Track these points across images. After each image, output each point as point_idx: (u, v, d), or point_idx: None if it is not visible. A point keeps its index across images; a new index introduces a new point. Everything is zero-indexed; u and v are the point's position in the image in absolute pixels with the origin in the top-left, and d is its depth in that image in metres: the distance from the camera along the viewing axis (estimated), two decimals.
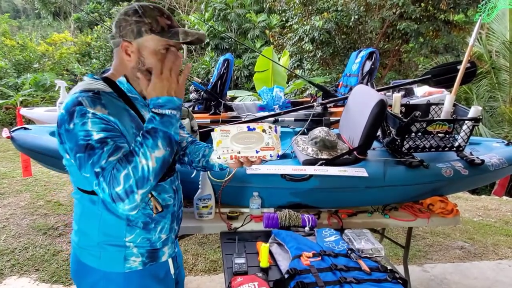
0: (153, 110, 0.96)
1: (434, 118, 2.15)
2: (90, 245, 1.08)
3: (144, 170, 0.91)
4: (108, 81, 1.03)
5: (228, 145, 1.04)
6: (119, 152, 0.92)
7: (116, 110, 0.97)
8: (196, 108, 4.00)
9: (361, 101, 2.03)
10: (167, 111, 0.96)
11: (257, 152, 1.04)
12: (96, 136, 0.90)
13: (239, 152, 1.04)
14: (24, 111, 3.75)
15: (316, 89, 4.14)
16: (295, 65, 9.09)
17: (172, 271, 1.20)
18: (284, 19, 9.74)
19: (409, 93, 3.68)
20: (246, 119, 2.92)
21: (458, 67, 2.26)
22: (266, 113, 3.20)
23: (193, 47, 13.14)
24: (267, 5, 10.71)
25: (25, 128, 2.16)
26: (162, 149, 0.94)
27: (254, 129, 1.05)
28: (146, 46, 1.00)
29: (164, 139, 0.94)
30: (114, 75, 1.06)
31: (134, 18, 0.99)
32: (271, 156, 1.04)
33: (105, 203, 1.02)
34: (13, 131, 2.11)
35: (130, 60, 1.02)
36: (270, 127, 1.06)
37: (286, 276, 1.19)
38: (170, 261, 1.20)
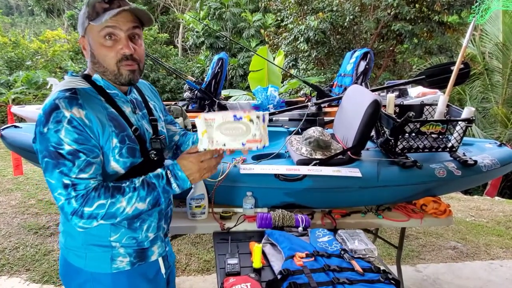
0: (168, 172, 1.01)
1: (428, 119, 2.15)
2: (76, 245, 1.07)
3: (118, 210, 0.95)
4: (87, 78, 1.03)
5: (213, 136, 0.98)
6: (91, 169, 0.94)
7: (93, 109, 0.96)
8: (190, 107, 3.98)
9: (355, 101, 2.03)
10: (174, 185, 1.01)
11: (243, 144, 0.99)
12: (68, 147, 0.91)
13: (224, 145, 0.99)
14: (15, 109, 3.71)
15: (310, 88, 4.13)
16: (290, 64, 9.10)
17: (163, 270, 1.19)
18: (279, 18, 9.76)
19: (403, 93, 3.69)
20: None
21: (452, 68, 2.26)
22: None
23: (188, 45, 13.08)
24: (263, 4, 10.70)
25: (15, 126, 2.13)
26: (146, 205, 0.98)
27: (240, 118, 0.98)
28: (91, 36, 0.99)
29: (154, 199, 0.99)
30: (90, 72, 1.05)
31: (82, 11, 0.98)
32: (257, 148, 1.00)
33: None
34: (3, 129, 2.08)
35: (86, 55, 1.02)
36: (258, 117, 0.99)
37: (279, 276, 1.18)
38: (160, 260, 1.18)
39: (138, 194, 0.96)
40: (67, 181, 0.91)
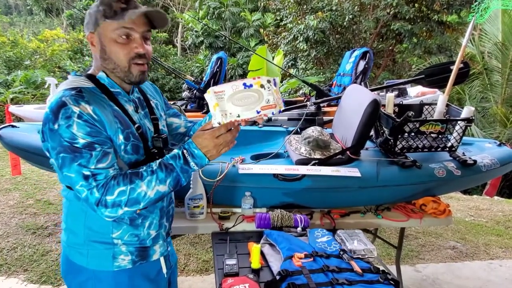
0: (184, 151, 0.99)
1: (427, 118, 2.14)
2: (78, 243, 1.07)
3: (140, 195, 0.95)
4: (90, 77, 1.03)
5: (226, 108, 0.95)
6: (108, 158, 0.95)
7: (99, 105, 0.97)
8: (189, 107, 3.97)
9: (355, 101, 2.02)
10: (192, 163, 1.00)
11: (258, 112, 0.96)
12: (82, 140, 0.92)
13: (238, 116, 0.96)
14: (13, 109, 3.70)
15: (309, 88, 4.13)
16: (289, 64, 9.10)
17: (164, 270, 1.19)
18: (278, 18, 9.75)
19: (402, 93, 3.69)
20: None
21: (451, 67, 2.26)
22: None
23: (187, 45, 13.07)
24: (262, 4, 10.70)
25: (13, 126, 2.11)
26: (167, 187, 0.98)
27: (251, 85, 0.95)
28: (104, 33, 0.98)
29: (174, 180, 0.99)
30: (94, 71, 1.06)
31: (94, 8, 0.98)
32: (272, 113, 0.97)
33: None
34: (0, 129, 2.06)
35: (95, 50, 1.02)
36: (268, 81, 0.96)
37: (277, 277, 1.17)
38: (162, 260, 1.18)
39: (157, 177, 0.96)
40: (87, 172, 0.92)
